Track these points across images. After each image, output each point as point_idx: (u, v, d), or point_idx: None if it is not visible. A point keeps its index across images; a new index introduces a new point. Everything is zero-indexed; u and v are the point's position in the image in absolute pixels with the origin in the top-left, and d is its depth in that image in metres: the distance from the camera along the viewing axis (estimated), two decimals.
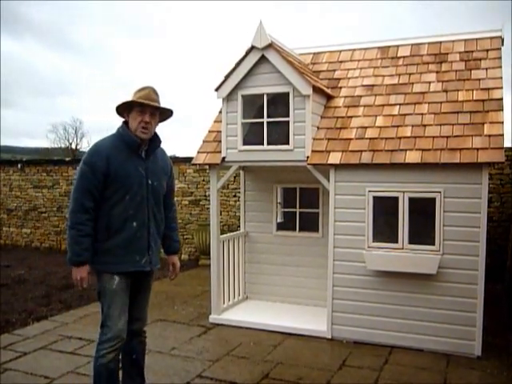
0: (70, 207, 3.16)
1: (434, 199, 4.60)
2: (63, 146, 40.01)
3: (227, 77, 5.26)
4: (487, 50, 5.42)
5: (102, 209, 3.18)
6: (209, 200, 7.94)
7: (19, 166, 11.61)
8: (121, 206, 3.19)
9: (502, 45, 5.49)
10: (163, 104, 3.36)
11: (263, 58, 5.11)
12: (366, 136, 4.97)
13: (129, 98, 3.28)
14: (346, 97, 5.55)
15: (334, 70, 6.01)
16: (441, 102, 5.02)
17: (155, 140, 3.38)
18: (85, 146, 40.79)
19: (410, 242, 4.68)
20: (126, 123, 3.33)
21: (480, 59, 5.34)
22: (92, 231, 3.16)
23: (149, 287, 3.54)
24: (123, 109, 3.30)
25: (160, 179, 3.41)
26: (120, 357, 3.38)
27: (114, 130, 3.38)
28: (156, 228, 3.39)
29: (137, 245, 3.27)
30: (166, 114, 3.45)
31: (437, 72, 5.39)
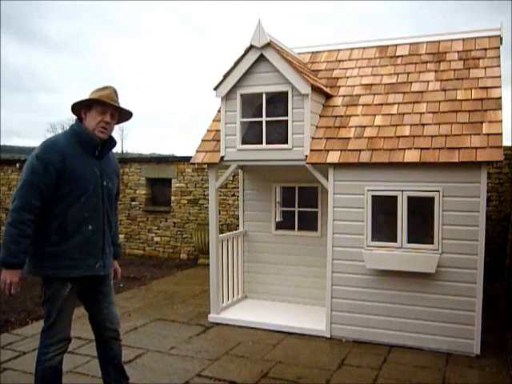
0: (15, 204, 2.93)
1: (432, 198, 4.60)
2: None
3: (226, 76, 5.26)
4: (486, 49, 5.42)
5: (55, 210, 2.99)
6: (207, 199, 7.94)
7: (17, 165, 11.58)
8: (76, 207, 3.03)
9: (501, 43, 5.49)
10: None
11: (262, 57, 5.11)
12: (365, 135, 4.97)
13: (88, 96, 3.15)
14: (344, 96, 5.55)
15: (333, 69, 6.01)
16: (439, 101, 5.02)
17: (110, 140, 3.25)
18: None
19: (409, 241, 4.68)
20: (80, 121, 3.17)
21: (478, 58, 5.35)
22: (33, 233, 2.95)
23: (110, 291, 3.37)
24: (82, 107, 3.13)
25: (113, 181, 3.30)
26: (100, 364, 3.41)
27: None
28: (109, 231, 3.27)
29: (91, 249, 3.13)
30: (124, 116, 3.31)
31: (435, 71, 5.40)
